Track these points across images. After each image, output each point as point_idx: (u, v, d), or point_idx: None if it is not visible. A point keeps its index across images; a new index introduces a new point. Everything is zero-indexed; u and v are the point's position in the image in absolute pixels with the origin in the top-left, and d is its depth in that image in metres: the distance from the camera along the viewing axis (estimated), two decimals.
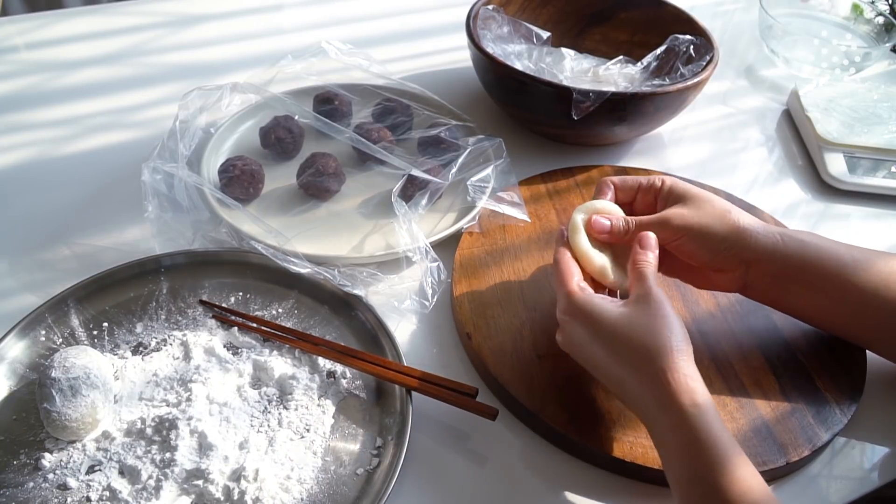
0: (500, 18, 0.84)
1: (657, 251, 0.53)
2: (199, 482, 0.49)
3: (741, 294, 0.59)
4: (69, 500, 0.48)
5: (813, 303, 0.57)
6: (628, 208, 0.60)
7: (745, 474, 0.43)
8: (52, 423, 0.50)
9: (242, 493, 0.48)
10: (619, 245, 0.57)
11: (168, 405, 0.54)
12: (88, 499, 0.48)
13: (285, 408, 0.54)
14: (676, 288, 0.65)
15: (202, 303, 0.61)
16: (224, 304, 0.62)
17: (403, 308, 0.63)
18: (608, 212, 0.57)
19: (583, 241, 0.55)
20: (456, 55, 0.96)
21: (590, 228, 0.56)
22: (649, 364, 0.47)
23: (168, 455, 0.50)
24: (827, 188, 0.81)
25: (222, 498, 0.49)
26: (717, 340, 0.61)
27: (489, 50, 0.77)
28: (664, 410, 0.45)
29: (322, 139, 0.77)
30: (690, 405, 0.44)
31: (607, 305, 0.50)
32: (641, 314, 0.49)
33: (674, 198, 0.58)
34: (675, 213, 0.56)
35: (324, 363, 0.57)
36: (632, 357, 0.48)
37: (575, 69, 0.85)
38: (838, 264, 0.55)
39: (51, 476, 0.49)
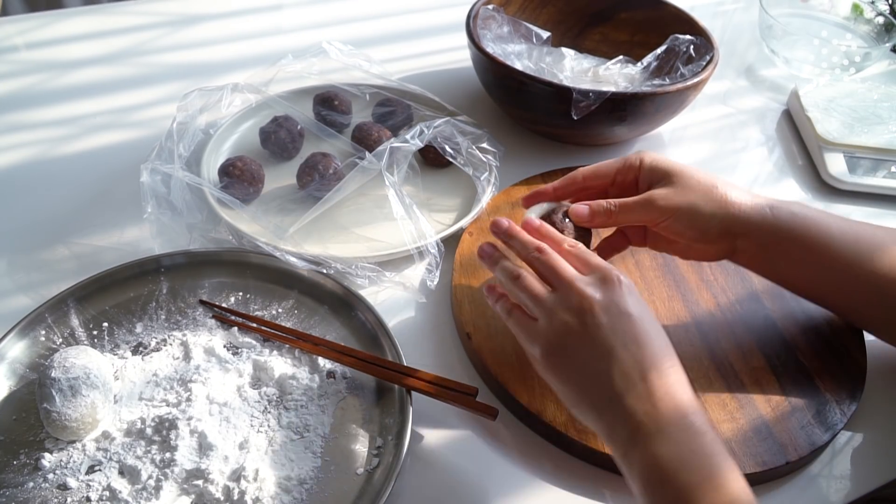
0: (500, 18, 0.84)
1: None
2: (199, 482, 0.49)
3: (728, 260, 0.58)
4: (69, 500, 0.48)
5: (800, 273, 0.57)
6: (604, 192, 0.59)
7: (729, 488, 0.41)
8: (52, 423, 0.50)
9: (242, 493, 0.48)
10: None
11: (168, 405, 0.54)
12: (88, 499, 0.48)
13: (285, 408, 0.54)
14: (676, 288, 0.65)
15: (202, 303, 0.61)
16: (224, 304, 0.62)
17: (404, 304, 0.63)
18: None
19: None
20: (456, 55, 0.96)
21: (572, 215, 0.56)
22: (616, 406, 0.45)
23: (168, 455, 0.50)
24: (827, 188, 0.81)
25: (222, 498, 0.49)
26: (717, 340, 0.61)
27: (489, 50, 0.77)
28: (633, 448, 0.44)
29: (322, 139, 0.77)
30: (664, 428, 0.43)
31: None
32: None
33: (657, 176, 0.56)
34: (660, 193, 0.55)
35: (324, 363, 0.57)
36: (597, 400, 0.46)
37: (575, 69, 0.85)
38: (826, 236, 0.55)
39: (51, 476, 0.49)
